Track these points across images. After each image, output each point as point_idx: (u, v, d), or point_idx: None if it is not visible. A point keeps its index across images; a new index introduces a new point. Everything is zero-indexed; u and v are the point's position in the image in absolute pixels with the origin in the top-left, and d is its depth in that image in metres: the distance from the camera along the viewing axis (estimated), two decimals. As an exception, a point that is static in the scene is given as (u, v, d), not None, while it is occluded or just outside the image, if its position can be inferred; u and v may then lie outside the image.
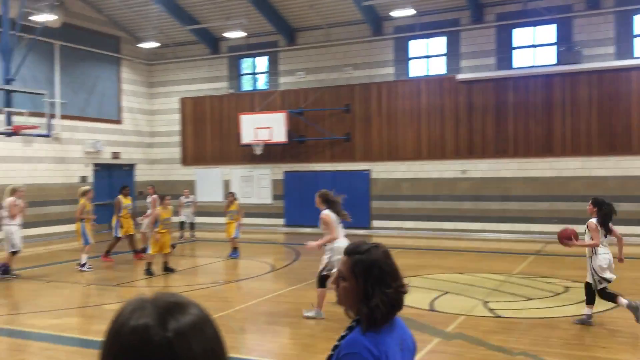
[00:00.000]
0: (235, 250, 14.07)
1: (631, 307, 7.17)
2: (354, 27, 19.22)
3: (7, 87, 14.39)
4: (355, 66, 19.22)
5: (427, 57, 18.62)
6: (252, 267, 13.20)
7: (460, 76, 17.71)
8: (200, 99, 21.62)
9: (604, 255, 7.37)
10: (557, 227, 15.68)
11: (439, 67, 18.52)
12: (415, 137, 18.39)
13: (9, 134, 14.37)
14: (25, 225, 16.87)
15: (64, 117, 18.71)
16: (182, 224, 18.13)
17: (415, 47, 18.71)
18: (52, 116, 17.29)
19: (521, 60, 17.51)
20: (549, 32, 17.25)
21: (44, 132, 14.95)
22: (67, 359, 6.49)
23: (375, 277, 2.06)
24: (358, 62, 19.19)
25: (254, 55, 20.99)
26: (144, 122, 22.25)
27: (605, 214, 7.36)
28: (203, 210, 20.88)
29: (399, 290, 2.10)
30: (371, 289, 2.05)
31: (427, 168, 18.31)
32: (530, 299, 9.09)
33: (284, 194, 20.28)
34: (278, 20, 19.59)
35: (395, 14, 17.22)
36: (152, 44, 20.52)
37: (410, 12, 17.05)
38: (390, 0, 17.61)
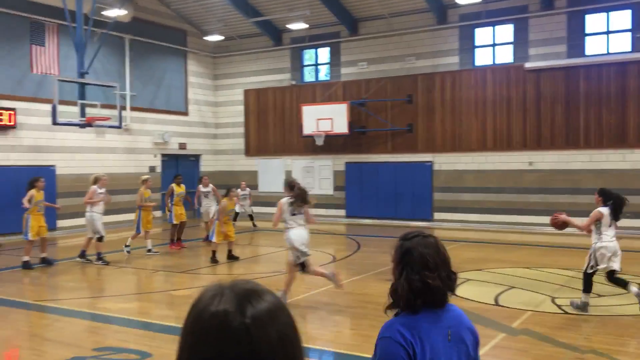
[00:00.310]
0: None
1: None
2: (418, 16, 18.89)
3: (81, 80, 15.00)
4: (418, 56, 18.91)
5: (494, 46, 18.08)
6: (314, 257, 13.19)
7: (529, 64, 17.10)
8: (263, 91, 21.86)
9: (608, 243, 7.62)
10: (630, 222, 15.01)
11: (505, 55, 17.95)
12: (480, 128, 17.94)
13: (82, 125, 14.99)
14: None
15: (133, 109, 19.38)
16: (236, 215, 18.34)
17: (481, 35, 18.20)
18: (123, 108, 17.94)
19: (594, 47, 16.71)
20: (623, 18, 16.36)
21: (115, 123, 15.52)
22: (136, 342, 6.72)
23: (406, 262, 2.18)
24: (421, 51, 18.86)
25: (316, 47, 21.01)
26: (209, 114, 22.73)
27: (617, 205, 7.58)
28: (264, 200, 21.18)
29: (425, 280, 2.13)
30: (399, 273, 2.18)
31: (492, 159, 17.83)
32: (601, 296, 8.69)
33: (345, 185, 20.26)
34: (340, 10, 19.51)
35: (460, 1, 16.78)
36: (217, 37, 20.91)
37: (476, -1, 16.58)
38: (455, -12, 17.19)
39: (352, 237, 16.16)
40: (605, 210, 7.65)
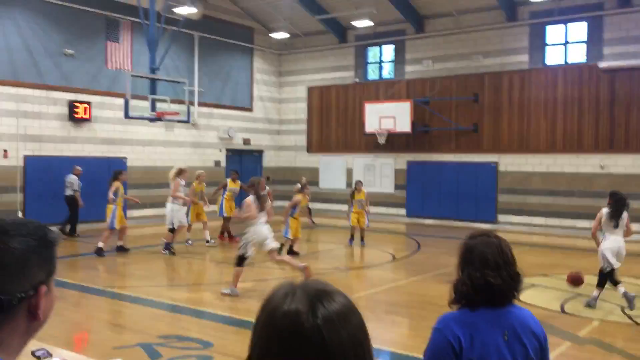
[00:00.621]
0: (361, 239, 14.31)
1: (627, 297, 7.91)
2: (486, 14, 18.45)
3: (152, 76, 15.51)
4: (485, 54, 18.48)
5: (566, 44, 17.41)
6: (373, 255, 13.26)
7: (604, 64, 16.37)
8: (327, 88, 21.94)
9: (612, 242, 7.98)
10: None
11: (578, 54, 17.25)
12: (549, 129, 17.35)
13: (153, 119, 15.50)
14: (162, 205, 18.21)
15: (201, 104, 19.88)
16: (309, 211, 18.43)
17: (553, 33, 17.56)
18: (191, 103, 18.42)
19: (676, 45, 15.80)
20: None
21: (184, 118, 15.94)
22: (199, 332, 6.90)
23: (467, 260, 2.27)
24: (489, 49, 18.42)
25: (380, 44, 20.90)
26: (273, 110, 23.03)
27: (616, 207, 7.92)
28: (325, 197, 21.27)
29: (486, 278, 2.18)
30: (461, 270, 2.28)
31: (561, 162, 17.21)
32: (678, 309, 8.22)
33: (406, 184, 20.08)
34: (406, 8, 19.31)
35: (531, -2, 16.25)
36: (282, 35, 21.14)
37: (549, -5, 16.00)
38: (526, -16, 16.66)
39: (412, 237, 16.02)
40: (604, 210, 8.01)
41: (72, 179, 14.85)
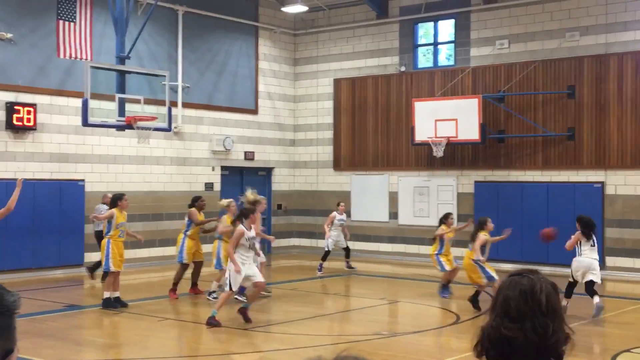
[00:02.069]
0: (445, 287, 14.79)
1: (597, 306, 11.99)
2: (584, -26, 18.37)
3: (121, 68, 15.62)
4: (583, 30, 18.34)
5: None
6: (429, 314, 13.14)
7: None
8: (361, 81, 21.94)
9: (582, 258, 12.62)
10: None
11: None
12: (676, 135, 17.11)
13: (121, 127, 15.58)
14: (135, 244, 18.26)
15: (186, 105, 20.00)
16: (347, 250, 18.40)
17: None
18: (173, 104, 18.52)
19: None
20: None
21: (163, 124, 16.01)
22: None
23: (493, 304, 2.47)
24: (589, 23, 18.28)
25: (435, 19, 20.87)
26: (286, 112, 23.08)
27: (586, 226, 12.69)
28: (359, 232, 21.12)
29: (501, 330, 2.35)
30: (490, 312, 2.48)
31: (696, 181, 16.91)
32: None
33: (473, 213, 19.85)
34: (471, -32, 19.32)
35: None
36: (299, 8, 21.23)
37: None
38: None
39: (485, 290, 15.78)
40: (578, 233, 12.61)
41: (103, 209, 15.38)
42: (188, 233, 13.96)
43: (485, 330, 2.42)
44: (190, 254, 13.87)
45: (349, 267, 18.26)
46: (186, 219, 14.17)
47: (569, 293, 12.52)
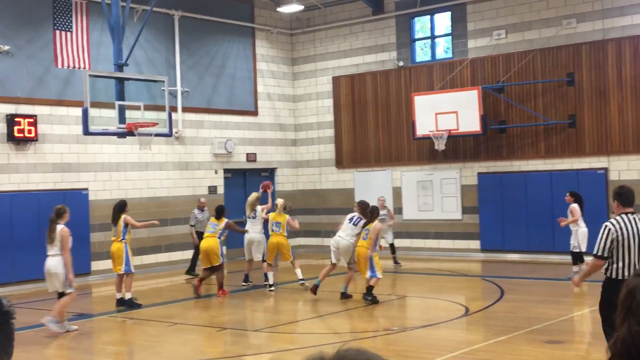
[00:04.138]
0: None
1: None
2: (578, -40, 18.36)
3: (119, 75, 15.63)
4: (580, 17, 18.33)
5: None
6: (438, 308, 13.19)
7: None
8: (360, 77, 21.95)
9: (584, 229, 14.68)
10: None
11: None
12: (678, 117, 17.09)
13: (122, 134, 15.59)
14: (141, 250, 18.25)
15: (186, 109, 20.01)
16: (393, 247, 18.44)
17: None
18: (174, 109, 18.55)
19: None
20: None
21: (164, 130, 16.00)
22: None
23: (628, 307, 2.23)
24: (585, 10, 18.26)
25: (431, 12, 20.86)
26: (286, 112, 23.09)
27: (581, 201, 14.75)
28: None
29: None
30: (622, 320, 2.25)
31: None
32: None
33: (478, 205, 19.87)
34: (465, -41, 19.31)
35: None
36: (295, 7, 21.23)
37: None
38: None
39: (490, 280, 15.87)
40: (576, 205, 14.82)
41: (195, 212, 17.42)
42: (222, 238, 14.75)
43: (626, 338, 2.19)
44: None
45: (396, 262, 18.10)
46: (222, 225, 14.65)
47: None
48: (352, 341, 10.18)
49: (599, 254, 7.27)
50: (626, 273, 7.14)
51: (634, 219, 7.39)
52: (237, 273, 16.70)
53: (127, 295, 13.48)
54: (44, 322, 11.01)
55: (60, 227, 11.36)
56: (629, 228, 7.29)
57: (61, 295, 11.31)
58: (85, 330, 11.85)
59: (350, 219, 13.68)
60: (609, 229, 7.27)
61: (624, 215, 7.41)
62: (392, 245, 18.35)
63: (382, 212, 17.47)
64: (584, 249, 14.44)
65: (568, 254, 16.64)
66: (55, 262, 11.18)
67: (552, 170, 18.72)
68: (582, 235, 14.65)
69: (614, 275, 7.24)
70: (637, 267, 7.14)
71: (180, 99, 19.72)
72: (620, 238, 7.24)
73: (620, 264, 7.21)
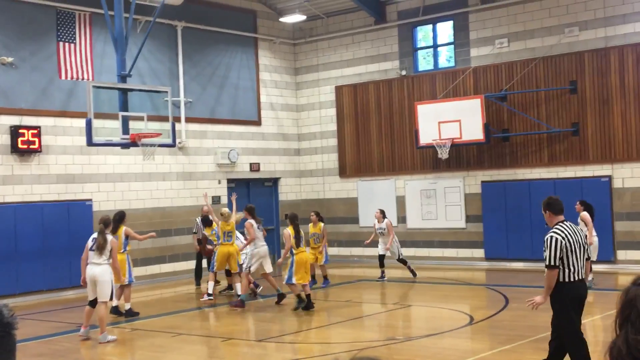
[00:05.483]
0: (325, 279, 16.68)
1: None
2: (580, -31, 18.40)
3: (123, 86, 15.67)
4: (583, 25, 18.34)
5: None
6: (443, 317, 13.17)
7: None
8: (362, 87, 21.97)
9: (595, 238, 14.92)
10: None
11: None
12: (681, 124, 17.09)
13: (125, 145, 15.62)
14: (145, 261, 18.26)
15: (190, 120, 20.04)
16: (382, 258, 17.61)
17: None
18: (177, 120, 18.57)
19: None
20: None
21: (167, 140, 16.05)
22: None
23: (627, 316, 2.30)
24: (588, 18, 18.28)
25: (434, 22, 20.90)
26: (289, 122, 23.11)
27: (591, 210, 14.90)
28: (366, 238, 21.08)
29: (637, 342, 2.22)
30: (619, 328, 2.33)
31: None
32: None
33: (482, 213, 19.85)
34: (467, -31, 19.36)
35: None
36: (297, 17, 21.30)
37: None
38: None
39: (495, 289, 15.87)
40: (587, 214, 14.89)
41: (198, 221, 17.34)
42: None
43: (621, 346, 2.24)
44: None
45: (412, 272, 17.50)
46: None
47: None
48: (356, 350, 10.15)
49: (552, 264, 7.48)
50: (576, 277, 7.50)
51: (571, 226, 7.75)
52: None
53: (127, 306, 13.74)
54: (100, 340, 11.29)
55: (111, 238, 11.69)
56: (573, 236, 7.61)
57: (93, 303, 11.54)
58: (90, 341, 11.83)
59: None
60: (557, 239, 7.51)
61: (562, 225, 7.70)
62: (402, 260, 17.66)
63: (379, 225, 17.37)
64: (594, 259, 14.04)
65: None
66: (102, 270, 11.41)
67: (556, 179, 18.70)
68: (593, 245, 14.40)
69: (567, 280, 7.49)
70: (582, 270, 7.58)
71: (183, 109, 19.76)
72: (567, 245, 7.51)
73: (572, 269, 7.49)
